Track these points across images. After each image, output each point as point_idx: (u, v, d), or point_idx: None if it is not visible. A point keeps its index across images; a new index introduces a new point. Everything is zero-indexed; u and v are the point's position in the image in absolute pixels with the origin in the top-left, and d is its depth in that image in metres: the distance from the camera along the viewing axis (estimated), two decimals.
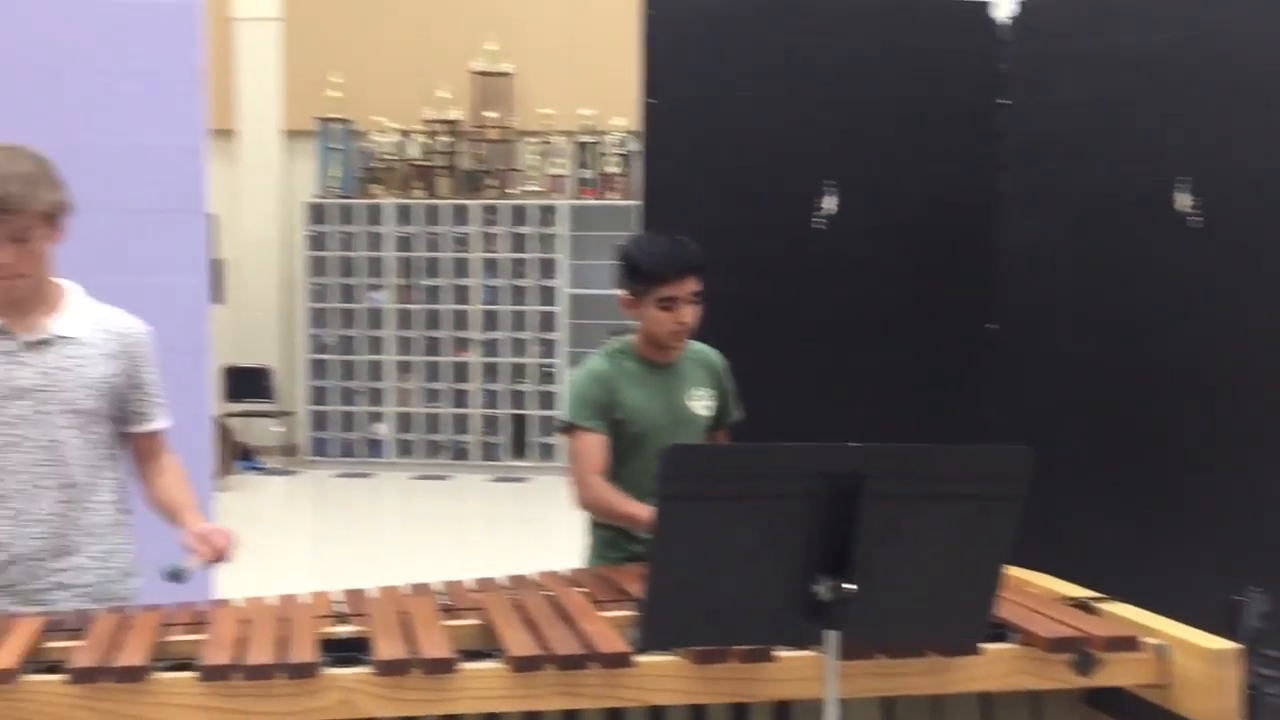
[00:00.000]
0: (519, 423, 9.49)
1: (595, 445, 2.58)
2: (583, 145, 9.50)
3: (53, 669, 1.73)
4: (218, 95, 5.14)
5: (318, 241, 9.54)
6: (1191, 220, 3.66)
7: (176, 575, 2.08)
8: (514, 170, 9.63)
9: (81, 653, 1.74)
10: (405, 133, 9.60)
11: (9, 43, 3.48)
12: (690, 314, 2.58)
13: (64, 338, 2.21)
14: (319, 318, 9.59)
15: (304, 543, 7.85)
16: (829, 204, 3.93)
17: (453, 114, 9.54)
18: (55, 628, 1.89)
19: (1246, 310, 3.65)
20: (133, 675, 1.69)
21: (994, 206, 3.93)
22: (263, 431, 9.64)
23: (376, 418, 9.64)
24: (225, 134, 9.07)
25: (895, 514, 1.54)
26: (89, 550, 2.22)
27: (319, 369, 9.64)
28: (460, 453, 9.56)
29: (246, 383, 9.43)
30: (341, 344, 9.60)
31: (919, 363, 3.96)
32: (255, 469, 9.39)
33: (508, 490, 8.99)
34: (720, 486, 1.54)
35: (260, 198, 9.69)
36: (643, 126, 4.04)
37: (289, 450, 9.78)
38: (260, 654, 1.74)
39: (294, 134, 9.73)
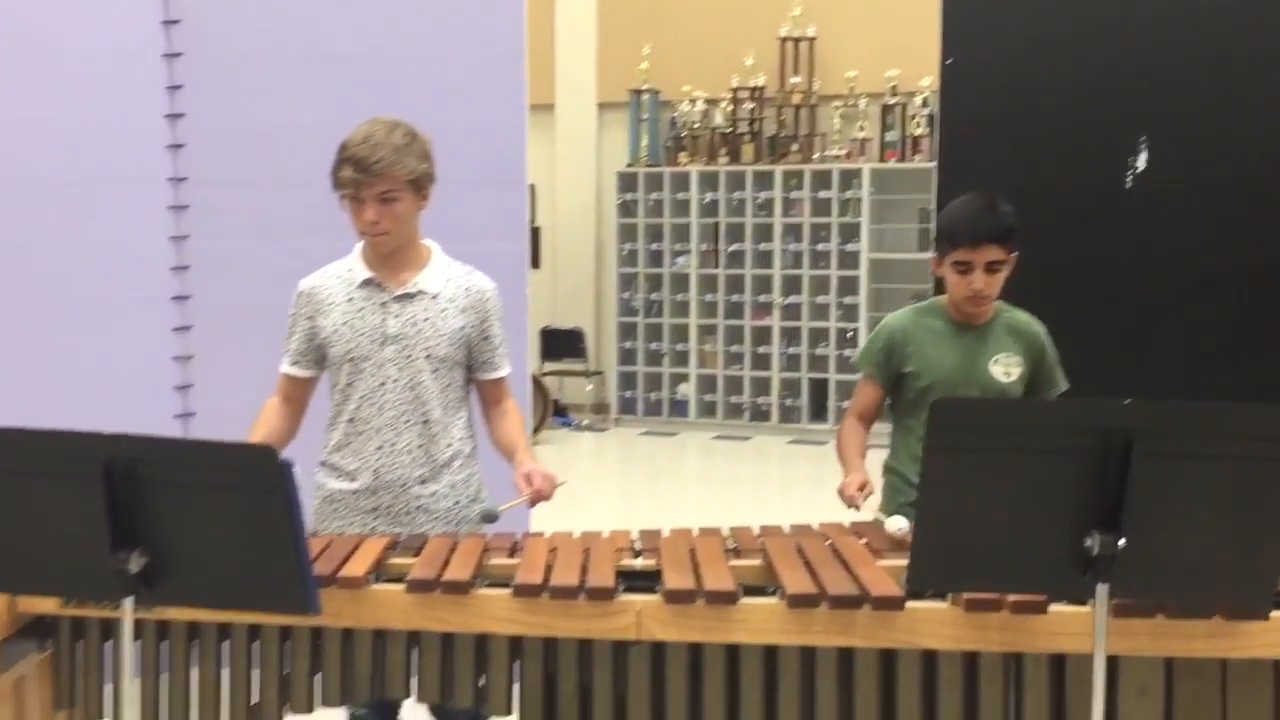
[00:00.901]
0: (818, 386, 9.56)
1: (866, 391, 2.71)
2: (887, 108, 9.39)
3: (394, 580, 2.02)
4: (538, 70, 5.49)
5: (628, 209, 9.95)
6: None
7: (489, 517, 2.34)
8: (817, 135, 9.66)
9: (418, 568, 2.01)
10: (712, 101, 9.83)
11: (351, 30, 3.91)
12: (983, 281, 2.58)
13: (426, 292, 2.50)
14: (628, 282, 10.01)
15: (610, 496, 8.28)
16: (1141, 161, 3.78)
17: (758, 80, 9.68)
18: (397, 547, 2.18)
19: None
20: (460, 589, 1.94)
21: None
22: (576, 390, 10.21)
23: (681, 379, 9.98)
24: (544, 108, 9.61)
25: (1169, 472, 1.55)
26: (444, 479, 2.52)
27: (628, 331, 10.08)
28: (760, 414, 9.74)
29: (561, 343, 10.01)
30: (649, 307, 9.99)
31: (1236, 323, 3.75)
32: (568, 425, 9.96)
33: (805, 453, 9.09)
34: (989, 440, 1.60)
35: (575, 168, 10.21)
36: (940, 87, 4.02)
37: (599, 408, 10.30)
38: (565, 577, 1.95)
39: (606, 106, 10.17)
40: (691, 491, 8.40)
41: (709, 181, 9.71)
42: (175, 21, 3.89)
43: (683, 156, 9.90)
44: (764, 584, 2.01)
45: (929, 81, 8.66)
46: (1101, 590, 1.60)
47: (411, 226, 2.49)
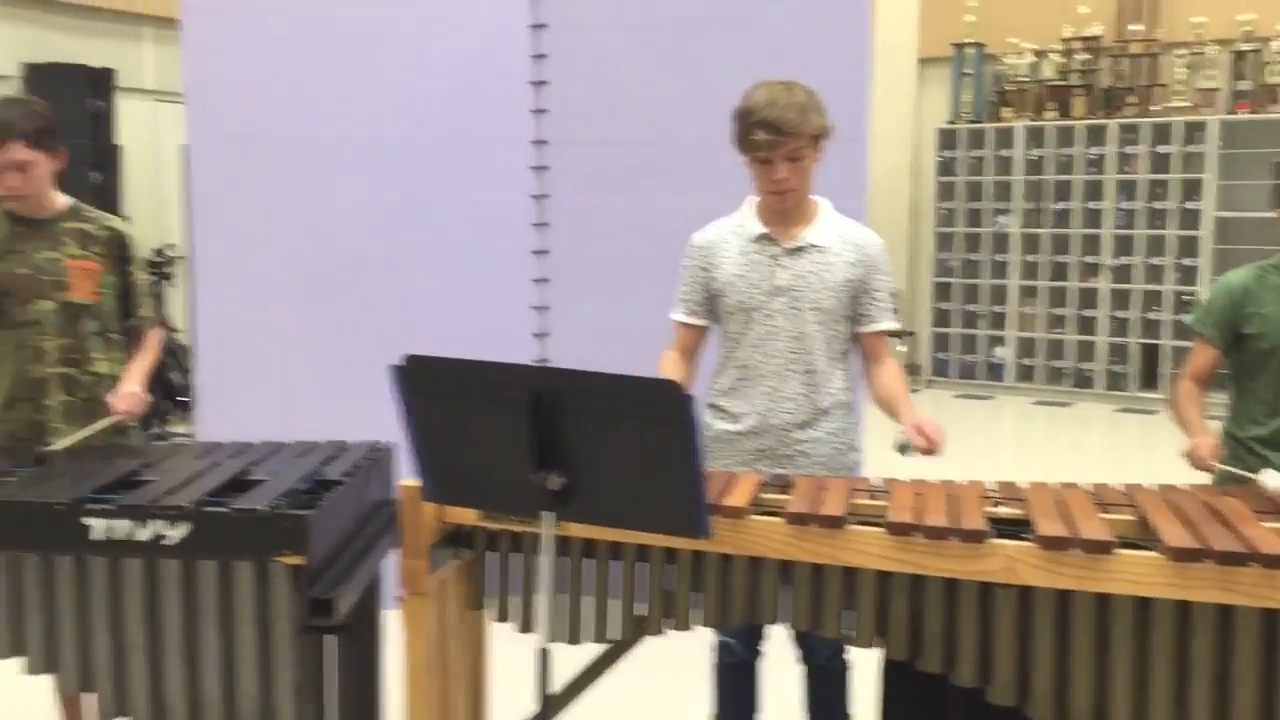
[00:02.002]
0: (1150, 353, 9.07)
1: (1201, 353, 2.63)
2: (1240, 54, 8.71)
3: (767, 513, 2.16)
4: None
5: (947, 167, 9.74)
6: None
7: (904, 449, 2.43)
8: (1158, 86, 9.09)
9: (794, 502, 2.14)
10: (1040, 53, 9.44)
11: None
12: None
13: (815, 245, 2.64)
14: (945, 242, 9.82)
15: (926, 457, 8.20)
16: None
17: (1093, 30, 9.20)
18: (768, 484, 2.33)
19: None
20: (834, 523, 2.06)
21: None
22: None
23: (998, 341, 9.72)
24: None
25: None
26: (824, 426, 2.66)
27: (943, 292, 9.90)
28: (1083, 380, 9.36)
29: None
30: (966, 267, 9.77)
31: None
32: None
33: (1134, 422, 8.67)
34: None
35: (895, 125, 10.08)
36: None
37: (912, 369, 10.19)
38: (937, 518, 2.03)
39: (927, 61, 9.96)
40: (1009, 455, 8.20)
41: (1035, 137, 9.36)
42: None
43: (1006, 112, 9.58)
44: (1137, 537, 2.01)
45: None
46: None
47: (810, 182, 2.61)
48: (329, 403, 4.00)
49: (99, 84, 7.31)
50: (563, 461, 1.91)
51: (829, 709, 2.81)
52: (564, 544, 2.24)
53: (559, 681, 2.49)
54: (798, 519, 2.08)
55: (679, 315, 2.75)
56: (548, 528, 1.94)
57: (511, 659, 2.75)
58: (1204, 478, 2.55)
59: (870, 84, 3.94)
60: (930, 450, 2.44)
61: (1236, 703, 1.89)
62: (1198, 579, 1.87)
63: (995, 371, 9.76)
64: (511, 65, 4.21)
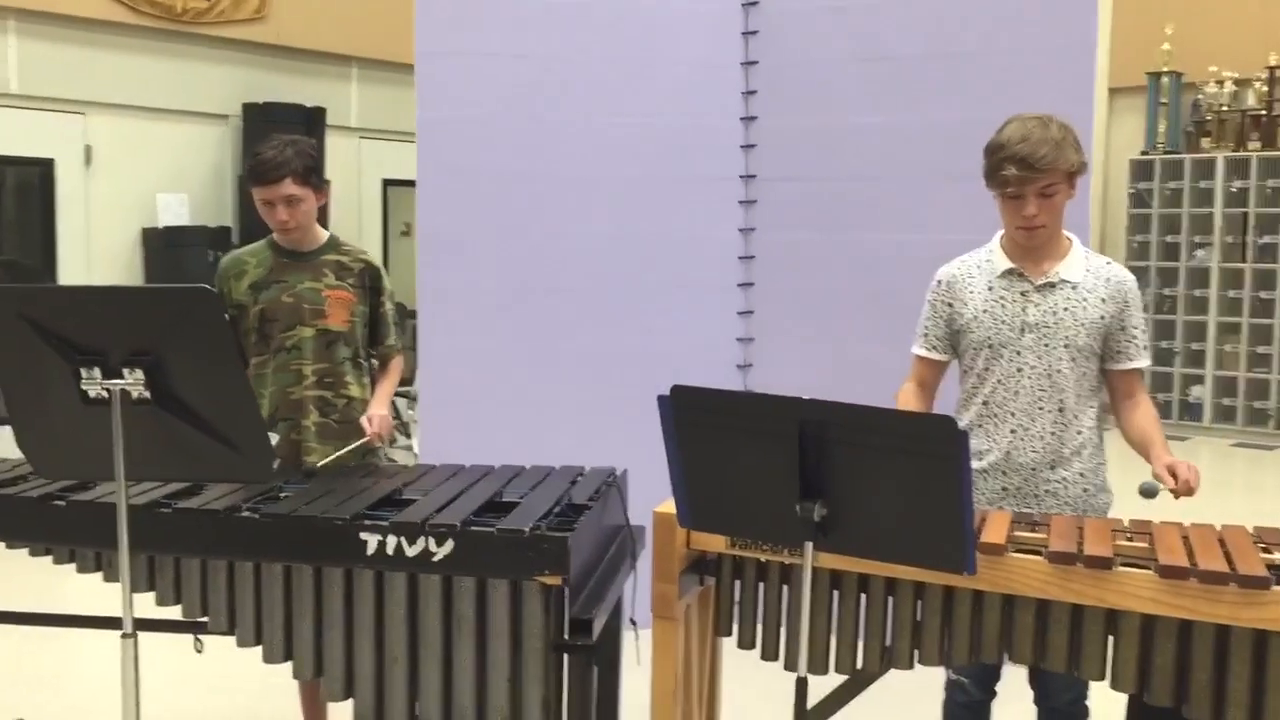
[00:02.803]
0: None
1: None
2: None
3: (1022, 550, 2.14)
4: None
5: (1140, 199, 9.42)
6: None
7: (1150, 492, 2.38)
8: None
9: (1055, 540, 2.12)
10: (1243, 82, 9.06)
11: (911, 31, 4.07)
12: None
13: (1066, 281, 2.61)
14: (1139, 276, 9.45)
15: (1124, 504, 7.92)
16: None
17: None
18: (1020, 521, 2.30)
19: None
20: (1102, 564, 2.03)
21: None
22: None
23: (1195, 380, 9.33)
24: None
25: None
26: (1074, 466, 2.62)
27: None
28: None
29: None
30: (1161, 303, 9.42)
31: None
32: None
33: None
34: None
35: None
36: None
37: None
38: (1211, 562, 1.98)
39: (1119, 90, 9.68)
40: (1212, 501, 7.84)
41: (1237, 168, 8.99)
42: (754, 32, 4.26)
43: (1205, 142, 9.22)
44: None
45: None
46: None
47: (1060, 217, 2.59)
48: (543, 427, 4.13)
49: (312, 122, 7.73)
50: (826, 492, 1.94)
51: None
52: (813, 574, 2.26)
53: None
54: (1062, 558, 2.05)
55: (919, 349, 2.75)
56: (808, 557, 1.97)
57: (740, 684, 2.78)
58: None
59: (1094, 118, 3.86)
60: (1182, 492, 2.37)
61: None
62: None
63: (1192, 411, 9.36)
64: (725, 102, 4.29)
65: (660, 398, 2.02)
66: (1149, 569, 2.01)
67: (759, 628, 2.36)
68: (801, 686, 1.99)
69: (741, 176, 4.33)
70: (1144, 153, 9.48)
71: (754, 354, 4.40)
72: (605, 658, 2.53)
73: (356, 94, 8.53)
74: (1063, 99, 3.83)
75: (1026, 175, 2.48)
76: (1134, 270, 9.91)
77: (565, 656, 2.33)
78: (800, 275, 4.30)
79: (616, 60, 4.23)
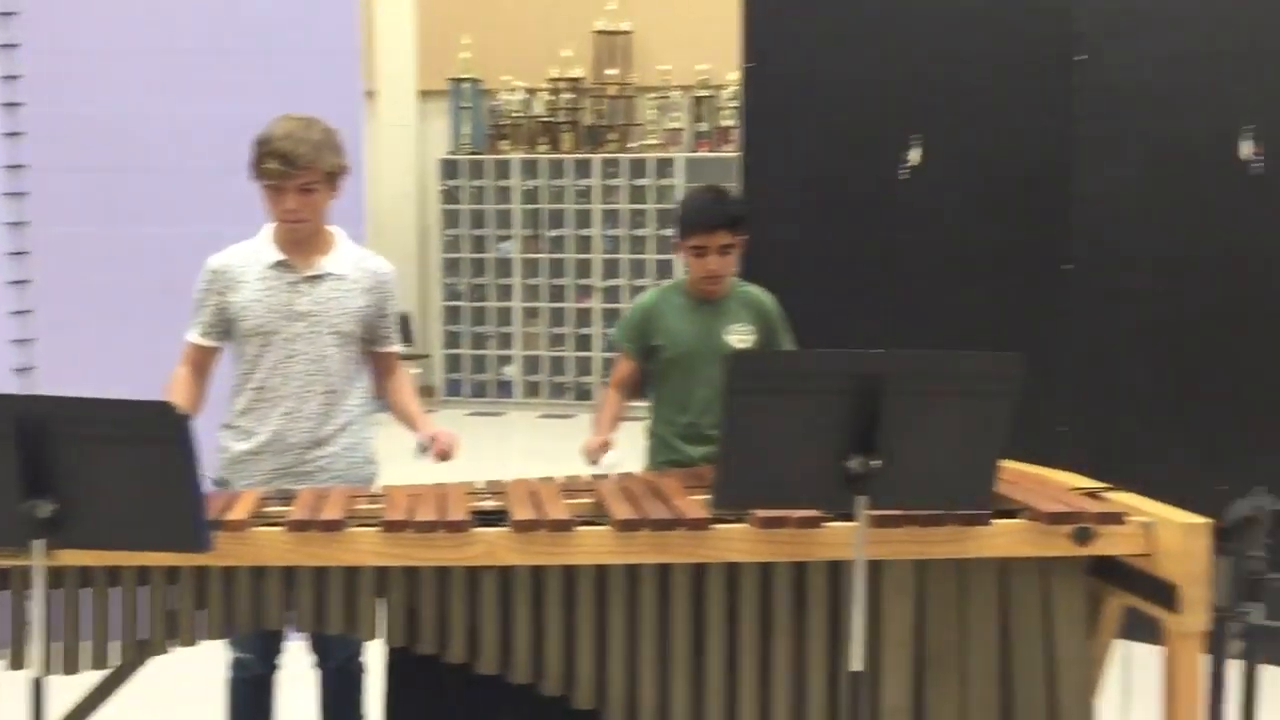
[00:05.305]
0: None
1: (623, 364, 3.12)
2: (699, 99, 9.89)
3: (272, 524, 2.28)
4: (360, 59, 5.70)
5: (451, 195, 10.17)
6: (1254, 167, 3.93)
7: (424, 449, 2.74)
8: (633, 125, 10.09)
9: (295, 511, 2.29)
10: (531, 91, 10.13)
11: (189, 24, 4.08)
12: (717, 263, 2.96)
13: (333, 274, 2.79)
14: (452, 267, 10.24)
15: (441, 475, 8.51)
16: (914, 156, 4.30)
17: (575, 72, 10.03)
18: (271, 498, 2.45)
19: None
20: (334, 526, 2.23)
21: (1070, 156, 4.24)
22: None
23: (506, 360, 10.28)
24: (367, 95, 9.70)
25: (911, 405, 1.97)
26: (341, 442, 2.83)
27: (453, 315, 10.31)
28: (583, 393, 10.13)
29: None
30: (473, 291, 10.24)
31: (1000, 301, 4.32)
32: None
33: (627, 427, 9.51)
34: (775, 382, 2.00)
35: (398, 155, 10.35)
36: (743, 87, 4.46)
37: (426, 391, 10.48)
38: (426, 515, 2.27)
39: (427, 94, 10.34)
40: (520, 467, 8.69)
41: (530, 169, 10.03)
42: (12, 14, 3.99)
43: (504, 144, 10.18)
44: (594, 516, 2.37)
45: (737, 76, 9.18)
46: (861, 502, 2.02)
47: (324, 214, 2.76)
48: None
49: None
50: (56, 488, 1.92)
51: (344, 711, 2.96)
52: (56, 575, 2.22)
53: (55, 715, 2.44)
54: (299, 526, 2.23)
55: (193, 336, 2.83)
56: (39, 556, 1.94)
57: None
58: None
59: (363, 116, 4.13)
60: (445, 457, 2.71)
61: (673, 640, 2.29)
62: (640, 545, 2.24)
63: (505, 389, 10.31)
64: None
65: None
66: (375, 526, 2.25)
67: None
68: (37, 689, 1.95)
69: (6, 166, 4.03)
70: (451, 153, 10.22)
71: (37, 355, 4.12)
72: None
73: None
74: (333, 100, 4.07)
75: (287, 170, 2.64)
76: (448, 262, 10.58)
77: None
78: (86, 270, 4.11)
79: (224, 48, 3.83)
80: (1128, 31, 4.13)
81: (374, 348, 2.90)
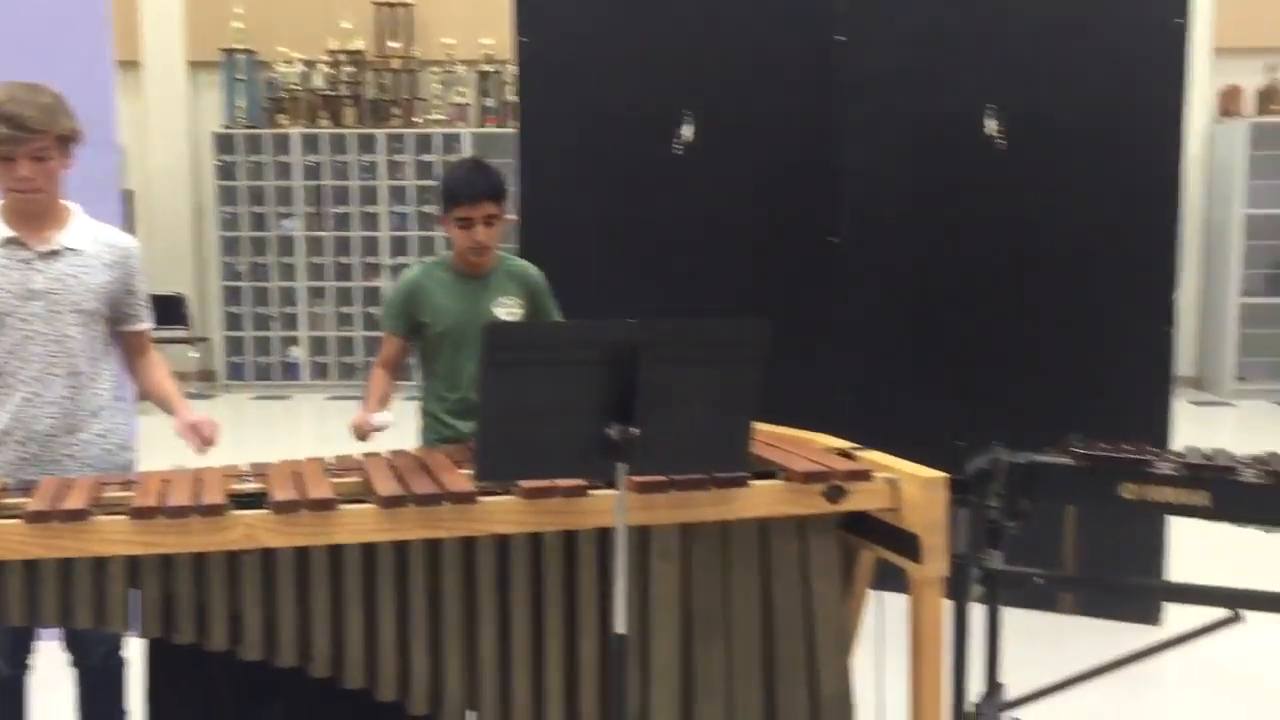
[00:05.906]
0: None
1: (389, 342, 3.12)
2: (484, 74, 9.80)
3: (9, 517, 2.16)
4: (121, 27, 5.41)
5: (226, 171, 9.76)
6: (997, 143, 4.19)
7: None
8: (418, 99, 9.92)
9: (35, 501, 2.17)
10: (310, 63, 9.82)
11: None
12: (484, 234, 2.97)
13: (71, 249, 2.63)
14: (231, 246, 9.85)
15: (225, 461, 8.20)
16: (686, 132, 4.39)
17: (356, 44, 9.78)
18: (10, 489, 2.31)
19: (1040, 221, 4.21)
20: (78, 516, 2.12)
21: (834, 132, 4.42)
22: (180, 357, 9.91)
23: (291, 342, 9.98)
24: (130, 65, 9.21)
25: (665, 374, 2.03)
26: (93, 428, 2.68)
27: (233, 296, 9.92)
28: None
29: (160, 310, 9.52)
30: (254, 271, 9.89)
31: (769, 271, 4.47)
32: None
33: (417, 407, 9.39)
34: (530, 354, 2.01)
35: (167, 129, 9.87)
36: (517, 62, 4.45)
37: (206, 375, 10.08)
38: (179, 500, 2.19)
39: (198, 65, 9.89)
40: (310, 451, 8.46)
41: (311, 144, 9.74)
42: None
43: (282, 118, 9.85)
44: (362, 495, 2.33)
45: None
46: (621, 469, 2.06)
47: (58, 185, 2.60)
48: None
49: None
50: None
51: (105, 709, 2.84)
52: None
53: None
54: (38, 517, 2.11)
55: None
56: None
57: None
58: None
59: (113, 87, 3.92)
60: (205, 446, 2.64)
61: (444, 615, 2.28)
62: (406, 520, 2.23)
63: (291, 371, 10.01)
64: None
65: None
66: (123, 514, 2.15)
67: None
68: None
69: None
70: (226, 127, 9.81)
71: None
72: None
73: None
74: (81, 71, 3.85)
75: (17, 135, 2.49)
76: (227, 241, 10.22)
77: None
78: None
79: None
80: (885, 12, 4.33)
81: (122, 327, 2.77)
